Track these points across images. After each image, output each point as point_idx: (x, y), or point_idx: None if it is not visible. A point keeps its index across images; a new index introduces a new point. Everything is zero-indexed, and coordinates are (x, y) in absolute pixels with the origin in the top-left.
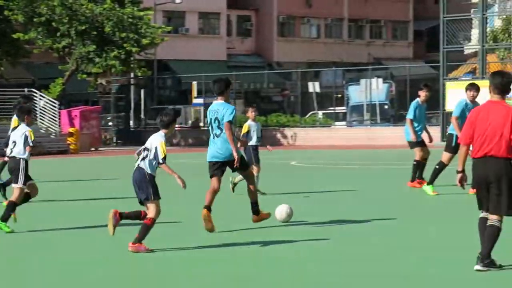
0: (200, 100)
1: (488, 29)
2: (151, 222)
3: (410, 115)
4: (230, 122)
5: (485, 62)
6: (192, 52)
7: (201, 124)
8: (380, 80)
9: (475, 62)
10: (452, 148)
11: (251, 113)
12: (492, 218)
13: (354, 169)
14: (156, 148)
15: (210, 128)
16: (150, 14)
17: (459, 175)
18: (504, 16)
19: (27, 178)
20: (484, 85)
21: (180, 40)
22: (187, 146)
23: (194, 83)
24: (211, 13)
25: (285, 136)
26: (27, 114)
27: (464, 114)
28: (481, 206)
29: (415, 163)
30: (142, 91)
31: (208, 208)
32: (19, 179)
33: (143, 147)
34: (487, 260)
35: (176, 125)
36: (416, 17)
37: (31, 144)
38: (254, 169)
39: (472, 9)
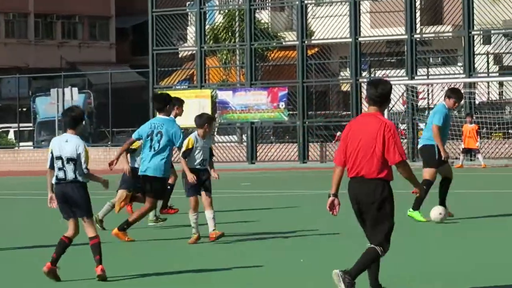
0: None
1: (207, 27)
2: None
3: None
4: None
5: (205, 67)
6: None
7: None
8: (76, 89)
9: (193, 67)
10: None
11: None
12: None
13: (25, 199)
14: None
15: (147, 139)
16: None
17: (330, 199)
18: (227, 11)
19: None
20: (204, 95)
21: None
22: None
23: None
24: None
25: None
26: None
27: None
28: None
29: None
30: None
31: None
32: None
33: (59, 156)
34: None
35: None
36: (119, 12)
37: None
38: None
39: (188, 3)
